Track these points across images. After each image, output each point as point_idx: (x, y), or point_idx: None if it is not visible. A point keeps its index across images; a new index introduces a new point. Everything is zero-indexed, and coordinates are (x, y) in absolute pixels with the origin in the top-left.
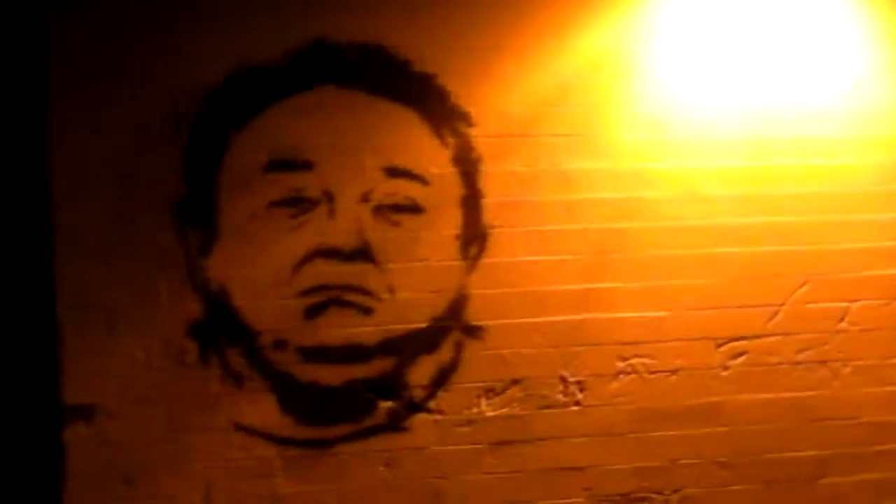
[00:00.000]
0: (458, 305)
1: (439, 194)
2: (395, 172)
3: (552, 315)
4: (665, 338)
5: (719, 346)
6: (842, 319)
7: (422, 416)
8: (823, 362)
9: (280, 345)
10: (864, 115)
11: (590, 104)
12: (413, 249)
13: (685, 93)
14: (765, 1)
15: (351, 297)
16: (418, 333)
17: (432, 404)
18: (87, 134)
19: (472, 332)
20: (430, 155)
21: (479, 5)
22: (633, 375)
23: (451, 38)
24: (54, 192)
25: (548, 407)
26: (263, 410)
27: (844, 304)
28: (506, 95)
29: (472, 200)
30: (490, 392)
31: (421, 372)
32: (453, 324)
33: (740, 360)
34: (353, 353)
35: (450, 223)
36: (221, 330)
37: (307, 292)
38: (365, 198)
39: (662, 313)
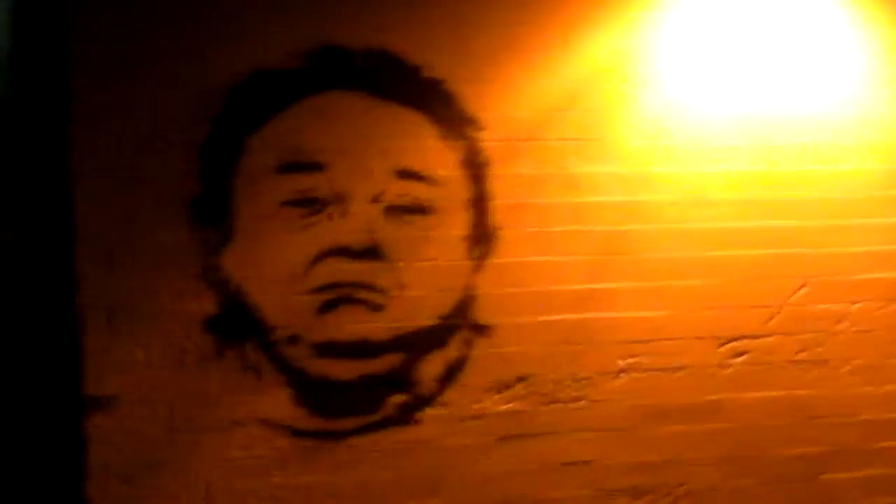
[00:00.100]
0: (465, 304)
1: (448, 196)
2: (404, 174)
3: (557, 314)
4: (667, 337)
5: (720, 345)
6: (840, 321)
7: (430, 411)
8: (822, 362)
9: (293, 340)
10: (864, 123)
11: (596, 109)
12: (422, 249)
13: (690, 99)
14: (768, 12)
15: (362, 294)
16: (427, 330)
17: (441, 399)
18: (106, 134)
19: (480, 329)
20: (439, 158)
21: (487, 12)
22: (636, 373)
23: (459, 45)
24: (75, 191)
25: (553, 403)
26: (278, 404)
27: (843, 306)
28: (513, 100)
29: (479, 202)
30: (497, 388)
31: (430, 368)
32: (461, 322)
33: (741, 359)
34: (364, 348)
35: (458, 224)
36: (237, 326)
37: (319, 290)
38: (375, 199)
39: (665, 313)
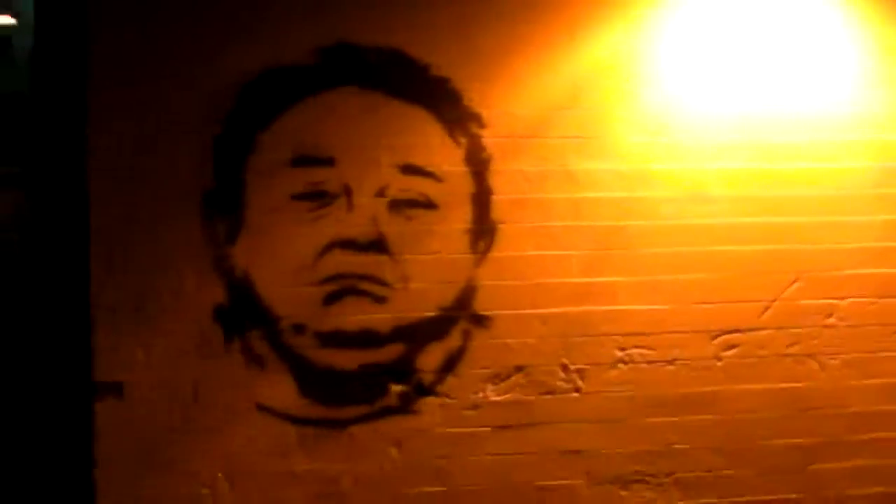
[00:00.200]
0: (467, 296)
1: (451, 191)
2: (410, 170)
3: (556, 307)
4: (662, 330)
5: (714, 338)
6: (830, 315)
7: (431, 400)
8: (812, 355)
9: (299, 329)
10: (859, 122)
11: (597, 108)
12: (425, 242)
13: (688, 98)
14: (766, 14)
15: (366, 286)
16: (429, 321)
17: (441, 389)
18: (122, 132)
19: (480, 321)
20: (444, 154)
21: (492, 14)
22: (631, 365)
23: (465, 45)
24: (92, 183)
25: (550, 393)
26: (282, 391)
27: (833, 301)
28: (516, 99)
29: (482, 197)
30: (495, 378)
31: (431, 358)
32: (462, 313)
33: (734, 351)
34: (368, 338)
35: (461, 218)
36: (244, 315)
37: (325, 281)
38: (381, 193)
39: (660, 307)
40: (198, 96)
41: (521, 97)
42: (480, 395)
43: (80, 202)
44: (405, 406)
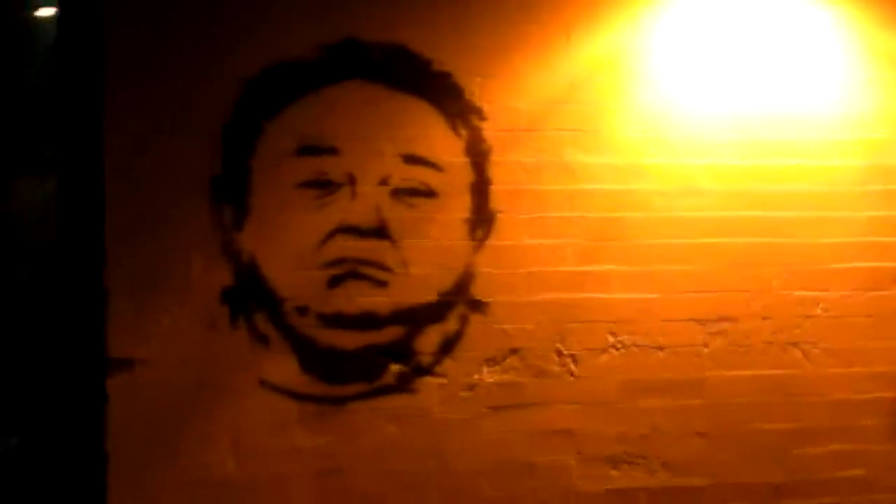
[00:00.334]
0: (464, 282)
1: (451, 181)
2: (411, 160)
3: (551, 293)
4: (653, 317)
5: (703, 326)
6: (815, 306)
7: (428, 380)
8: (797, 344)
9: (302, 311)
10: (846, 121)
11: (593, 102)
12: (426, 230)
13: (682, 95)
14: (757, 15)
15: (368, 270)
16: (428, 306)
17: (438, 370)
18: (138, 122)
19: (477, 306)
20: (445, 145)
21: (493, 12)
22: (622, 350)
23: (467, 41)
24: (107, 169)
25: (543, 376)
26: (286, 370)
27: (818, 293)
28: (515, 93)
29: (481, 187)
30: (491, 361)
31: (429, 340)
32: (460, 298)
33: (721, 339)
34: (368, 320)
35: (460, 207)
36: (250, 297)
37: (328, 265)
38: (384, 182)
39: (652, 295)
40: (208, 90)
41: (520, 92)
42: (476, 376)
43: (97, 189)
44: (403, 385)
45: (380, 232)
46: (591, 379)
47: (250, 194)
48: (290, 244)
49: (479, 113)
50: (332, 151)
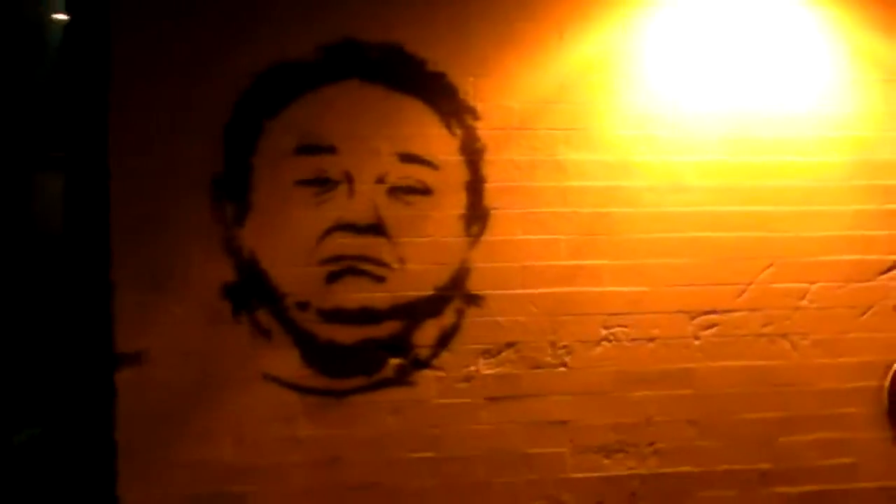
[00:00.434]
0: (460, 276)
1: (447, 179)
2: (408, 158)
3: (544, 287)
4: (644, 310)
5: (692, 318)
6: (802, 298)
7: (426, 373)
8: (784, 335)
9: (303, 306)
10: (830, 119)
11: (584, 102)
12: (422, 226)
13: (671, 94)
14: (745, 17)
15: (366, 266)
16: (425, 300)
17: (436, 362)
18: (141, 121)
19: (473, 300)
20: (440, 144)
21: (487, 13)
22: (614, 342)
23: (461, 42)
24: (112, 168)
25: (537, 368)
26: (287, 363)
27: (805, 285)
28: (509, 92)
29: (475, 185)
30: (487, 353)
31: (426, 334)
32: (456, 292)
33: (711, 331)
34: (367, 315)
35: (455, 204)
36: (252, 292)
37: (327, 261)
38: (380, 180)
39: (642, 288)
40: (210, 90)
41: (513, 92)
42: (473, 368)
43: (103, 187)
44: (402, 378)
45: (377, 229)
46: (584, 370)
47: (251, 191)
48: (289, 241)
49: (473, 112)
50: (331, 150)
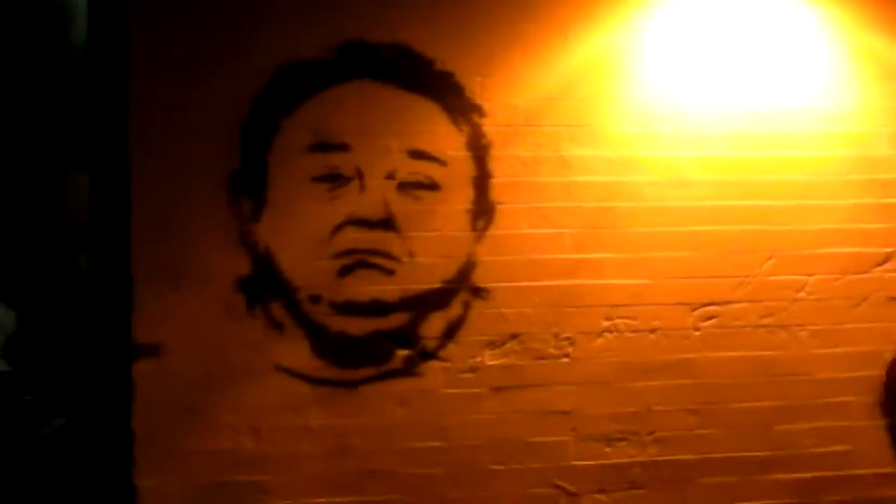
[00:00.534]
0: (467, 270)
1: (454, 174)
2: (416, 155)
3: (548, 280)
4: (646, 302)
5: (693, 310)
6: (800, 290)
7: (433, 363)
8: (783, 326)
9: (315, 299)
10: (828, 115)
11: (588, 99)
12: (430, 221)
13: (674, 91)
14: (745, 16)
15: (376, 260)
16: (432, 293)
17: (442, 353)
18: (161, 118)
19: (478, 292)
20: (448, 141)
21: (492, 13)
22: (616, 333)
23: (468, 42)
24: (133, 165)
25: (541, 358)
26: (299, 355)
27: (803, 277)
28: (514, 91)
29: (482, 180)
30: (492, 344)
31: (433, 326)
32: (462, 285)
33: (711, 322)
34: (377, 307)
35: (462, 199)
36: (266, 286)
37: (339, 255)
38: (390, 176)
39: (644, 281)
40: (227, 87)
41: (518, 90)
42: (478, 359)
43: (124, 184)
44: (410, 369)
45: (387, 223)
46: (587, 361)
47: (267, 188)
48: (303, 235)
49: (479, 110)
50: (343, 147)
